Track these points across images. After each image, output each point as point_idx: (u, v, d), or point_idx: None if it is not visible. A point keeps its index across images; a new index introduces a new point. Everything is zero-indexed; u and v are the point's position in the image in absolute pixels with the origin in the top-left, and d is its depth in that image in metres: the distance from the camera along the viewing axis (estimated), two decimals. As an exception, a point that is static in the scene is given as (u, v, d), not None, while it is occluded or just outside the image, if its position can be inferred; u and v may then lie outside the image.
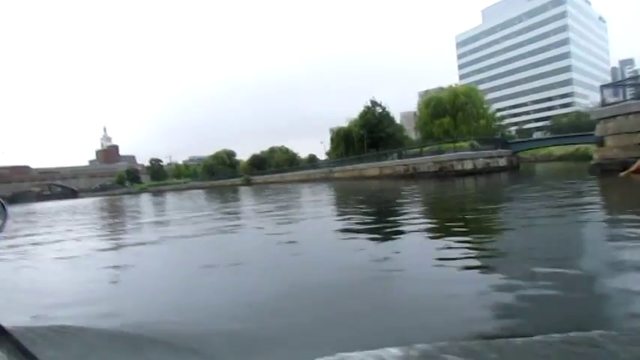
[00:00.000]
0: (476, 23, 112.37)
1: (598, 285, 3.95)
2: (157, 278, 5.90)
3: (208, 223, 13.03)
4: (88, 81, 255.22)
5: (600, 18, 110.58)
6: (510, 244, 6.25)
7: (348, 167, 51.74)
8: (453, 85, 60.33)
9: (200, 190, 70.22)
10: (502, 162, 35.51)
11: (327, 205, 17.49)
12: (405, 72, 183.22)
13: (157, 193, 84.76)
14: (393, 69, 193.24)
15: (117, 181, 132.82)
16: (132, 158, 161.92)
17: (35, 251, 9.88)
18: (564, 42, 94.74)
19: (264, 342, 3.14)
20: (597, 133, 19.42)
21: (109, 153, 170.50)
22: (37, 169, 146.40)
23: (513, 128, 78.35)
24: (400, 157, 45.53)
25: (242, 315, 3.78)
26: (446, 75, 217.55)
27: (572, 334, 2.67)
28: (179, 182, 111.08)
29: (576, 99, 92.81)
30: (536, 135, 59.08)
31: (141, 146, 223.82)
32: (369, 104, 62.18)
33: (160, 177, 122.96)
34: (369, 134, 58.66)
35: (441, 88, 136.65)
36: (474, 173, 32.97)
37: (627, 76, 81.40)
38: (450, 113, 50.59)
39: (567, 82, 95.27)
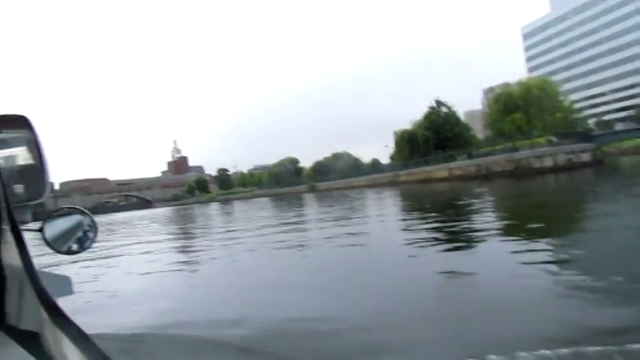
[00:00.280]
0: (542, 12, 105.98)
1: None
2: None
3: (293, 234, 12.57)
4: (160, 95, 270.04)
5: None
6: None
7: (415, 170, 50.33)
8: (523, 79, 56.82)
9: (266, 199, 71.36)
10: (585, 157, 32.82)
11: (400, 212, 16.69)
12: (467, 69, 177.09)
13: (225, 201, 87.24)
14: (453, 67, 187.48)
15: (187, 191, 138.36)
16: (200, 169, 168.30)
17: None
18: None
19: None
20: None
21: (179, 164, 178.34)
22: (114, 181, 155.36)
23: (592, 120, 72.68)
24: (470, 157, 43.59)
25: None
26: (511, 69, 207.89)
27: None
28: (245, 191, 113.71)
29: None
30: (619, 126, 54.32)
31: (208, 156, 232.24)
32: (434, 104, 60.32)
33: (227, 186, 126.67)
34: (435, 135, 56.69)
35: (507, 84, 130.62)
36: (554, 170, 30.65)
37: None
38: (522, 108, 47.59)
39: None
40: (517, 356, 2.73)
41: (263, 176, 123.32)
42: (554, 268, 5.19)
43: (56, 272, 1.29)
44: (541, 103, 47.21)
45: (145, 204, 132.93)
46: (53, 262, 5.78)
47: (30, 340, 0.61)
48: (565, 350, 2.70)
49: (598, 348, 2.61)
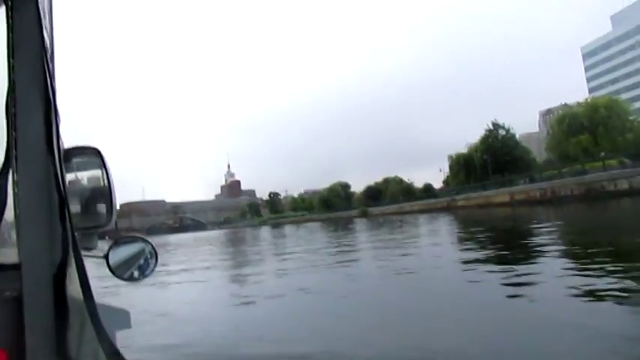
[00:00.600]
0: (601, 31, 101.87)
1: None
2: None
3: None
4: (216, 120, 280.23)
5: None
6: None
7: (473, 195, 48.70)
8: (588, 99, 54.14)
9: (317, 224, 71.22)
10: (665, 181, 30.44)
11: (470, 242, 15.40)
12: (520, 91, 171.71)
13: (277, 226, 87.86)
14: (506, 89, 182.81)
15: (239, 214, 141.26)
16: (252, 192, 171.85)
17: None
18: None
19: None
20: None
21: (232, 188, 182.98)
22: (170, 203, 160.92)
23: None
24: (532, 180, 41.76)
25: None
26: (569, 90, 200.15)
27: None
28: (296, 215, 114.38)
29: None
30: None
31: (260, 180, 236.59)
32: (490, 127, 58.78)
33: (278, 210, 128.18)
34: (493, 159, 54.93)
35: (567, 105, 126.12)
36: (630, 194, 28.53)
37: None
38: (589, 129, 45.23)
39: None
40: None
41: (314, 201, 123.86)
42: None
43: (115, 305, 1.29)
44: (609, 123, 44.68)
45: (199, 226, 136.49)
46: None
47: None
48: None
49: None
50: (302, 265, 12.25)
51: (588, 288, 5.59)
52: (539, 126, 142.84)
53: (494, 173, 54.07)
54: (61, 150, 0.73)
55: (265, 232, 54.70)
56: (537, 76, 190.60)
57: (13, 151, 0.66)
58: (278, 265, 13.55)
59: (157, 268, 1.51)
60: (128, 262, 1.42)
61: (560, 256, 8.92)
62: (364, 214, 79.90)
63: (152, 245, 1.49)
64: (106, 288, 5.28)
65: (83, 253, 0.91)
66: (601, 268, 6.66)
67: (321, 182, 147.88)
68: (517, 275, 7.10)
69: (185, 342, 4.97)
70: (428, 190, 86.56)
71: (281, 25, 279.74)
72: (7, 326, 0.66)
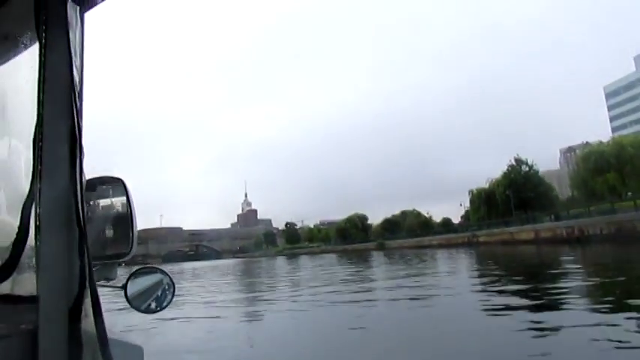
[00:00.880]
0: (624, 72, 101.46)
1: None
2: None
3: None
4: (234, 148, 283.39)
5: None
6: None
7: (495, 230, 47.85)
8: (604, 139, 53.55)
9: (334, 255, 70.49)
10: (700, 222, 29.46)
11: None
12: (540, 128, 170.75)
13: (293, 256, 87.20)
14: (526, 126, 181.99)
15: (255, 243, 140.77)
16: (268, 222, 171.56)
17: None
18: None
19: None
20: None
21: (249, 217, 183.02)
22: (187, 231, 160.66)
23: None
24: (558, 218, 40.90)
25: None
26: (590, 129, 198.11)
27: None
28: (312, 246, 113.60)
29: None
30: None
31: (276, 210, 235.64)
32: (513, 162, 58.26)
33: (294, 240, 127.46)
34: (516, 195, 54.15)
35: (587, 143, 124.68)
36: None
37: None
38: (615, 168, 44.48)
39: None
40: None
41: (330, 232, 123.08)
42: None
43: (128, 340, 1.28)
44: (636, 162, 43.88)
45: (214, 255, 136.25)
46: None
47: None
48: None
49: None
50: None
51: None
52: (560, 163, 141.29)
53: (516, 209, 53.19)
54: (84, 184, 0.73)
55: (281, 263, 54.15)
56: (558, 113, 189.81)
57: (37, 184, 0.68)
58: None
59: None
60: (146, 294, 1.43)
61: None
62: (382, 247, 78.97)
63: (170, 277, 1.49)
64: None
65: (102, 283, 1.11)
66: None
67: (338, 213, 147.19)
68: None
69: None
70: (446, 224, 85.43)
71: (303, 53, 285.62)
72: None
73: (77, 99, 0.68)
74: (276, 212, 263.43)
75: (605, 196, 42.57)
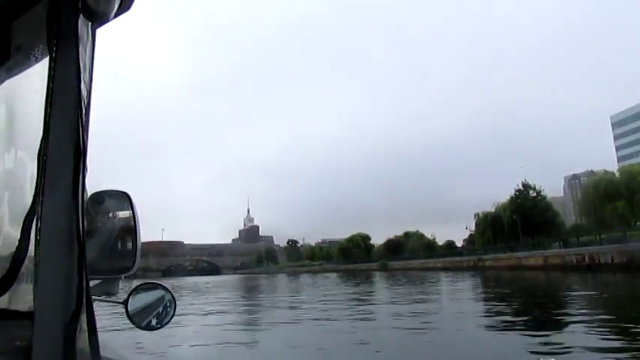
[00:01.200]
0: (631, 103, 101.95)
1: None
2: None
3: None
4: (238, 164, 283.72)
5: None
6: None
7: (502, 255, 47.25)
8: (608, 168, 53.62)
9: (335, 274, 69.80)
10: None
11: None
12: (545, 156, 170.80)
13: (294, 274, 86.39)
14: (531, 153, 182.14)
15: (256, 260, 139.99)
16: (270, 239, 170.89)
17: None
18: None
19: None
20: None
21: (250, 233, 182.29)
22: (188, 245, 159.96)
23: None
24: (566, 245, 40.45)
25: None
26: (595, 158, 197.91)
27: None
28: (314, 264, 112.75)
29: None
30: None
31: (278, 227, 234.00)
32: (520, 187, 58.06)
33: (295, 258, 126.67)
34: (523, 220, 53.79)
35: (592, 172, 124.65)
36: (678, 267, 27.19)
37: None
38: (625, 196, 44.28)
39: None
40: None
41: (332, 250, 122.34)
42: None
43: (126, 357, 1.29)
44: (647, 191, 43.86)
45: (214, 270, 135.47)
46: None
47: None
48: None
49: None
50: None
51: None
52: (564, 191, 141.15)
53: (523, 234, 52.80)
54: (86, 199, 0.73)
55: (281, 281, 53.55)
56: (563, 141, 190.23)
57: (40, 197, 0.69)
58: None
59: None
60: (147, 310, 1.40)
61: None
62: (384, 268, 78.23)
63: (171, 294, 1.46)
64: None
65: (104, 298, 1.12)
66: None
67: (340, 232, 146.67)
68: None
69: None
70: (450, 247, 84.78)
71: (310, 72, 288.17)
72: None
73: (84, 114, 0.69)
74: (278, 229, 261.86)
75: (614, 224, 42.29)
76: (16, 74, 1.02)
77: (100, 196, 1.09)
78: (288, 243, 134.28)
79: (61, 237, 0.65)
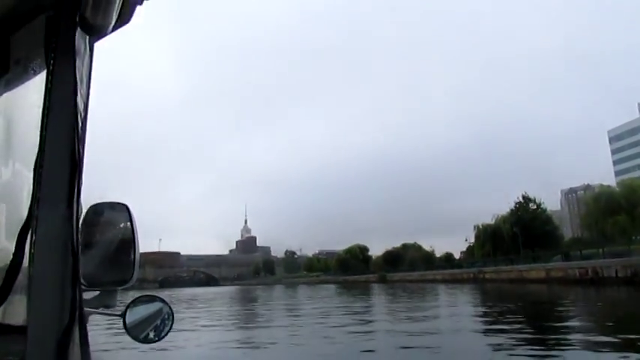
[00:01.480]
0: (628, 117, 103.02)
1: None
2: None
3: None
4: (236, 174, 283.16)
5: None
6: None
7: (504, 268, 47.08)
8: (605, 183, 53.98)
9: (334, 286, 69.42)
10: None
11: None
12: (542, 169, 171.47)
13: (291, 285, 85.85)
14: (528, 166, 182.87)
15: (253, 270, 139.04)
16: (267, 249, 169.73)
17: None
18: None
19: None
20: None
21: (248, 244, 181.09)
22: (185, 256, 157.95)
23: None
24: (568, 257, 40.41)
25: None
26: (592, 171, 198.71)
27: None
28: (311, 275, 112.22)
29: None
30: None
31: (275, 237, 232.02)
32: (521, 200, 58.20)
33: (293, 269, 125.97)
34: (523, 232, 53.80)
35: (588, 186, 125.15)
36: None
37: None
38: (626, 210, 44.38)
39: None
40: None
41: (329, 262, 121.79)
42: None
43: None
44: (647, 205, 44.00)
45: (211, 281, 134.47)
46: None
47: None
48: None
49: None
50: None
51: None
52: (561, 204, 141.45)
53: (523, 247, 52.73)
54: (81, 212, 0.72)
55: (278, 292, 53.05)
56: (560, 155, 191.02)
57: (35, 210, 0.68)
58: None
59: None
60: (144, 323, 1.41)
61: None
62: (383, 280, 77.88)
63: (169, 307, 1.46)
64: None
65: (101, 311, 1.12)
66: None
67: (338, 243, 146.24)
68: None
69: None
70: (448, 259, 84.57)
71: (309, 84, 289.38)
72: None
73: (80, 127, 0.69)
74: (276, 240, 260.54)
75: (615, 238, 42.29)
76: (14, 87, 1.03)
77: (99, 208, 1.11)
78: (285, 254, 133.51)
79: (55, 249, 0.65)
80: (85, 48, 0.77)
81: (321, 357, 9.63)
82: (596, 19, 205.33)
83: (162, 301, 1.46)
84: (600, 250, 37.06)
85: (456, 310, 20.36)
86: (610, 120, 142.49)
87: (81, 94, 0.70)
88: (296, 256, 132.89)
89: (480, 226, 64.00)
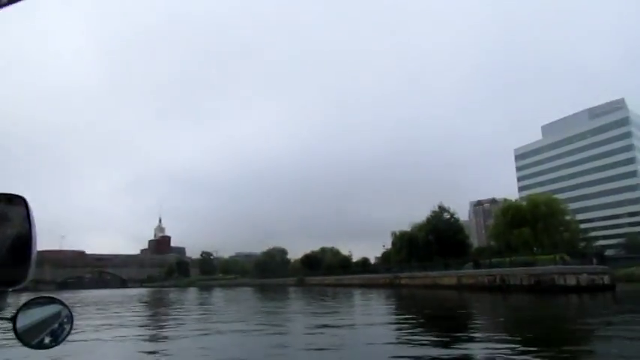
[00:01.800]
0: (533, 138, 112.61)
1: None
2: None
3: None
4: (150, 170, 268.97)
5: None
6: None
7: (418, 274, 48.77)
8: (509, 198, 58.48)
9: (250, 289, 68.09)
10: (606, 279, 31.98)
11: None
12: (453, 182, 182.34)
13: (206, 288, 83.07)
14: (440, 179, 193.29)
15: (166, 272, 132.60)
16: (182, 250, 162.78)
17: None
18: (631, 161, 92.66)
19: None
20: None
21: (161, 244, 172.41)
22: (91, 255, 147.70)
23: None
24: (477, 266, 42.69)
25: None
26: (497, 186, 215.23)
27: None
28: (228, 278, 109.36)
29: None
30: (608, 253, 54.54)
31: (190, 238, 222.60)
32: (437, 209, 60.85)
33: (209, 271, 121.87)
34: (438, 240, 56.29)
35: (494, 199, 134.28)
36: (577, 290, 29.54)
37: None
38: (530, 223, 47.96)
39: (636, 201, 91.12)
40: None
41: (247, 264, 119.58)
42: None
43: None
44: (548, 220, 47.77)
45: (119, 282, 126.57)
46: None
47: None
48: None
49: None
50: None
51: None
52: (469, 215, 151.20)
53: (437, 254, 55.01)
54: None
55: (191, 295, 50.74)
56: (471, 168, 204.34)
57: None
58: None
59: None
60: (39, 327, 1.26)
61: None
62: (301, 283, 77.85)
63: (69, 309, 1.35)
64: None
65: None
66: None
67: (257, 246, 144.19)
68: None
69: None
70: (364, 264, 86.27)
71: (233, 83, 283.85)
72: None
73: None
74: (191, 241, 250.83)
75: (519, 249, 45.39)
76: None
77: None
78: (201, 255, 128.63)
79: None
80: None
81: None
82: (511, 47, 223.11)
83: (61, 302, 1.33)
84: (507, 260, 39.42)
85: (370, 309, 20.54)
86: (518, 140, 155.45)
87: None
88: (212, 258, 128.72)
89: (397, 233, 65.93)
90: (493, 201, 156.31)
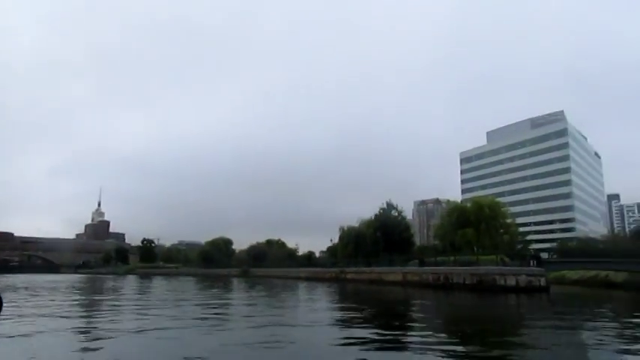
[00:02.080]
0: (478, 143, 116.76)
1: None
2: None
3: None
4: (89, 150, 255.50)
5: (596, 153, 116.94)
6: None
7: (365, 269, 49.23)
8: (452, 199, 60.27)
9: (192, 278, 66.49)
10: (542, 281, 33.47)
11: None
12: (399, 181, 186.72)
13: (145, 276, 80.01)
14: (388, 177, 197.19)
15: (103, 259, 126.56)
16: (121, 236, 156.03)
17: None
18: (566, 170, 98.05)
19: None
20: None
21: (99, 228, 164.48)
22: (20, 238, 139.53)
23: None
24: (422, 263, 43.53)
25: None
26: (442, 187, 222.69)
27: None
28: (170, 266, 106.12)
29: (577, 225, 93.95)
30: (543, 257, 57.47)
31: (131, 225, 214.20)
32: (385, 206, 61.61)
33: (149, 259, 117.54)
34: (384, 237, 57.05)
35: (437, 200, 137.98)
36: (516, 291, 30.76)
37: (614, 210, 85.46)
38: (474, 224, 49.48)
39: (569, 208, 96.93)
40: None
41: (190, 253, 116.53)
42: None
43: None
44: (490, 222, 49.49)
45: (51, 267, 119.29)
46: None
47: None
48: None
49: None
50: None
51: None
52: (413, 214, 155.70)
53: (384, 251, 55.75)
54: None
55: (129, 283, 48.81)
56: (418, 168, 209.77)
57: None
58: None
59: None
60: None
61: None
62: (246, 274, 76.80)
63: None
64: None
65: None
66: None
67: (200, 235, 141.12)
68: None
69: None
70: (309, 257, 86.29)
71: (182, 66, 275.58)
72: None
73: None
74: (132, 227, 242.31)
75: (462, 248, 46.78)
76: None
77: None
78: (142, 242, 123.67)
79: None
80: None
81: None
82: (465, 56, 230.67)
83: None
84: (452, 259, 40.46)
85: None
86: (464, 144, 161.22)
87: None
88: (153, 245, 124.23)
89: (345, 228, 66.23)
90: (437, 201, 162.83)
